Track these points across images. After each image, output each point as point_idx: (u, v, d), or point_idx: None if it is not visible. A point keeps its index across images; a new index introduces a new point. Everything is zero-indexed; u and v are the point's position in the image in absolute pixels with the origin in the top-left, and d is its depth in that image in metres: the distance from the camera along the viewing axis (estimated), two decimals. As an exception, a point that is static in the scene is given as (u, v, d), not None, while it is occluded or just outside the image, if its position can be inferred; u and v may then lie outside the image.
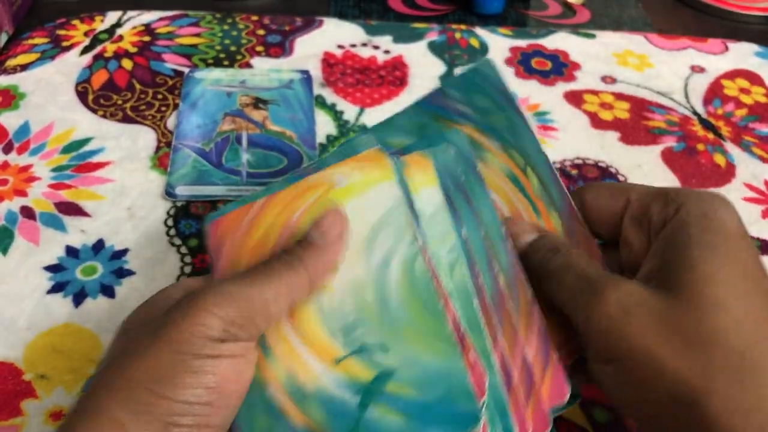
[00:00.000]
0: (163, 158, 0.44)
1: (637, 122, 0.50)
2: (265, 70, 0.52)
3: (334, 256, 0.29)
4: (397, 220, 0.30)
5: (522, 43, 0.58)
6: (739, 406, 0.23)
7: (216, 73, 0.51)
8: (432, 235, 0.30)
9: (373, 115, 0.49)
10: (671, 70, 0.56)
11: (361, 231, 0.30)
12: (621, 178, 0.45)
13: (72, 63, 0.52)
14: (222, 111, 0.48)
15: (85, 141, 0.45)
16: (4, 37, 0.54)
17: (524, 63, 0.55)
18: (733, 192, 0.45)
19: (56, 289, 0.37)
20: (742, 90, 0.54)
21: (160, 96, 0.49)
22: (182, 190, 0.42)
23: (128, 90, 0.50)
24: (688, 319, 0.24)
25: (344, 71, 0.53)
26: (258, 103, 0.49)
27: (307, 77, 0.52)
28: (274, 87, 0.50)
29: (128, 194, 0.42)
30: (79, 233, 0.39)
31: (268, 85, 0.51)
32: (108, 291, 0.37)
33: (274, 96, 0.50)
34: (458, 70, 0.54)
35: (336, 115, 0.49)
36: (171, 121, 0.47)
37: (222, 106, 0.48)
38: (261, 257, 0.30)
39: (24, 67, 0.51)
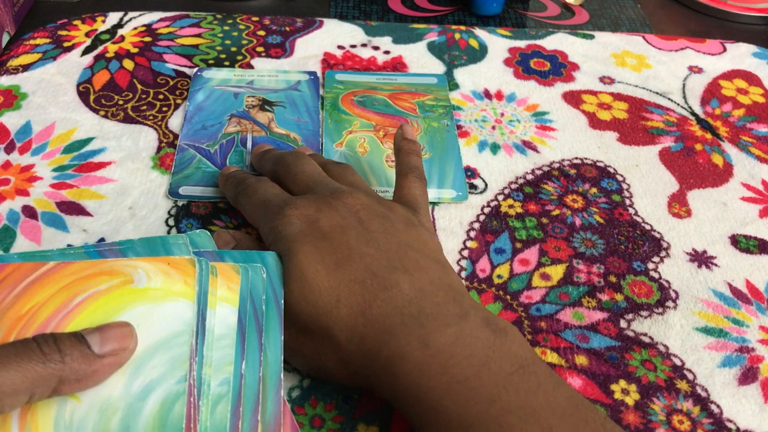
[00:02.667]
0: (164, 158, 0.45)
1: (635, 122, 0.50)
2: (273, 71, 0.52)
3: (102, 374, 0.27)
4: (177, 350, 0.28)
5: (521, 43, 0.58)
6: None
7: (224, 73, 0.52)
8: (211, 360, 0.28)
9: (373, 116, 0.49)
10: (669, 71, 0.56)
11: (137, 347, 0.28)
12: (619, 178, 0.46)
13: (73, 63, 0.52)
14: (228, 112, 0.48)
15: (87, 141, 0.46)
16: (6, 38, 0.55)
17: (523, 63, 0.55)
18: (730, 192, 0.45)
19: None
20: (740, 90, 0.54)
21: (161, 96, 0.50)
22: (185, 191, 0.42)
23: (129, 90, 0.50)
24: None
25: (343, 71, 0.53)
26: (264, 104, 0.49)
27: (314, 78, 0.52)
28: (281, 88, 0.51)
29: (130, 194, 0.42)
30: (80, 233, 0.40)
31: (275, 86, 0.51)
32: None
33: (281, 97, 0.50)
34: (457, 71, 0.54)
35: (336, 115, 0.49)
36: (172, 121, 0.48)
37: (228, 107, 0.49)
38: (22, 331, 0.27)
39: (26, 68, 0.51)
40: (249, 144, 0.46)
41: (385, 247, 0.33)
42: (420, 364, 0.28)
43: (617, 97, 0.53)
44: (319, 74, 0.53)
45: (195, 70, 0.52)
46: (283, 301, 0.31)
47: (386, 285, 0.31)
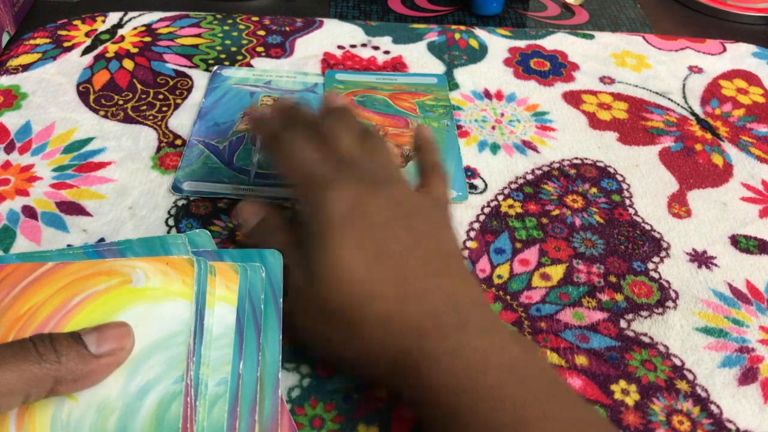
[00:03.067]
0: (164, 158, 0.45)
1: (635, 122, 0.50)
2: (291, 72, 0.52)
3: (99, 374, 0.26)
4: (175, 350, 0.28)
5: (521, 43, 0.58)
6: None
7: (243, 72, 0.52)
8: (209, 360, 0.28)
9: (373, 116, 0.49)
10: (669, 71, 0.56)
11: (134, 347, 0.28)
12: (619, 178, 0.46)
13: (73, 63, 0.52)
14: (242, 110, 0.48)
15: (87, 141, 0.46)
16: (6, 38, 0.55)
17: (523, 63, 0.55)
18: (730, 192, 0.45)
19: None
20: (740, 90, 0.54)
21: (161, 96, 0.50)
22: (189, 186, 0.42)
23: (129, 90, 0.50)
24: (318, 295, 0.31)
25: (343, 71, 0.53)
26: None
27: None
28: (298, 90, 0.51)
29: (129, 194, 0.42)
30: (80, 233, 0.40)
31: (293, 87, 0.51)
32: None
33: (297, 99, 0.50)
34: (457, 71, 0.54)
35: (336, 115, 0.49)
36: (172, 121, 0.48)
37: (243, 105, 0.49)
38: (21, 332, 0.27)
39: (26, 68, 0.51)
40: (258, 142, 0.46)
41: (423, 248, 0.32)
42: (451, 368, 0.28)
43: (617, 97, 0.53)
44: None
45: (215, 67, 0.52)
46: (281, 300, 0.31)
47: (424, 288, 0.31)
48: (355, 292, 0.30)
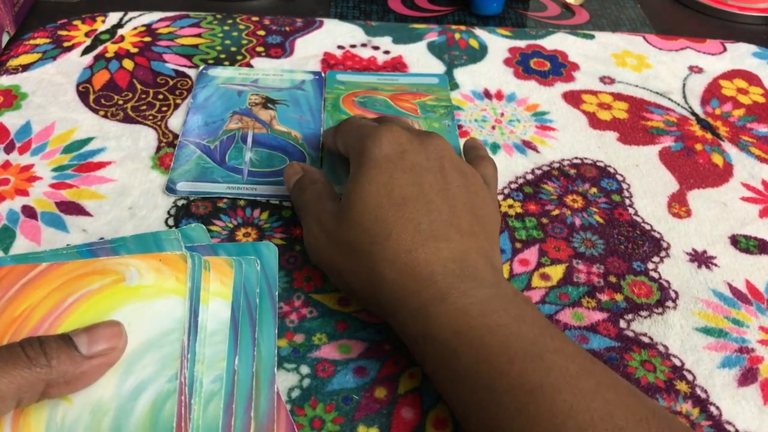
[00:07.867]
0: (164, 158, 0.45)
1: (635, 122, 0.50)
2: (278, 70, 0.52)
3: (92, 375, 0.26)
4: (168, 347, 0.28)
5: (521, 43, 0.58)
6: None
7: (229, 71, 0.52)
8: (203, 357, 0.28)
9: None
10: (669, 71, 0.56)
11: (128, 346, 0.28)
12: (619, 178, 0.46)
13: (73, 63, 0.52)
14: (230, 109, 0.48)
15: (87, 141, 0.46)
16: (6, 38, 0.55)
17: (523, 63, 0.55)
18: (730, 192, 0.45)
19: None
20: (740, 90, 0.54)
21: (161, 96, 0.50)
22: (183, 186, 0.42)
23: (129, 90, 0.50)
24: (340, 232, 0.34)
25: (344, 72, 0.53)
26: (267, 102, 0.49)
27: (318, 78, 0.52)
28: (285, 87, 0.51)
29: (129, 194, 0.42)
30: (80, 232, 0.40)
31: (280, 85, 0.51)
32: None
33: (284, 96, 0.50)
34: (457, 71, 0.54)
35: (336, 115, 0.49)
36: (172, 121, 0.48)
37: (231, 104, 0.49)
38: (16, 334, 0.27)
39: (25, 68, 0.51)
40: (249, 141, 0.46)
41: (451, 202, 0.34)
42: (461, 307, 0.30)
43: (617, 97, 0.53)
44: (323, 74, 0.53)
45: (201, 67, 0.52)
46: (277, 293, 0.31)
47: (438, 236, 0.32)
48: (375, 229, 0.32)
